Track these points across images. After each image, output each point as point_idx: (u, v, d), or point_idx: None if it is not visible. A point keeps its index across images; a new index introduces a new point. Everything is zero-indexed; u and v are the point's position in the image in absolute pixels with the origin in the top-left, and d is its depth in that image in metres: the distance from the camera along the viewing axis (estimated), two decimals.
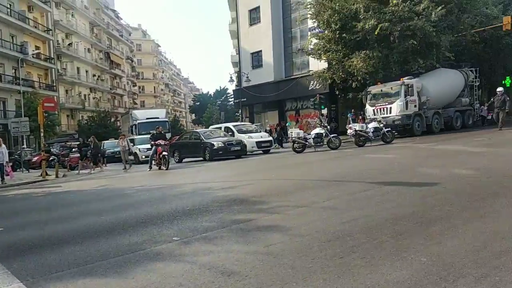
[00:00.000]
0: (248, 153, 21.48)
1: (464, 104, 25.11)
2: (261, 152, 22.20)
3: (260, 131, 24.99)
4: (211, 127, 28.30)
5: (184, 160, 22.14)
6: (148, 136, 19.71)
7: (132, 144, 24.99)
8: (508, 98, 20.56)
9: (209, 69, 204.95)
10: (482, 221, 4.83)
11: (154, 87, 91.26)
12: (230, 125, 24.90)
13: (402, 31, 21.11)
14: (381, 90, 22.64)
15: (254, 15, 37.54)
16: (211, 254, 4.45)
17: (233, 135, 22.49)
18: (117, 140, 25.05)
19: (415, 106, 21.88)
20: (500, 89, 20.30)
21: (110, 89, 63.86)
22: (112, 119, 54.26)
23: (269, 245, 4.55)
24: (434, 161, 11.12)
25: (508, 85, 32.44)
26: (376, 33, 21.27)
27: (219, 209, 6.82)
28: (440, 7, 20.61)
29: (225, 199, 7.67)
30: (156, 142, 17.18)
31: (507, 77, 31.66)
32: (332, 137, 18.94)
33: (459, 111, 24.45)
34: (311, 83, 30.51)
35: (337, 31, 23.19)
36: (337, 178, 9.32)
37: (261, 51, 36.77)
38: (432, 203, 5.94)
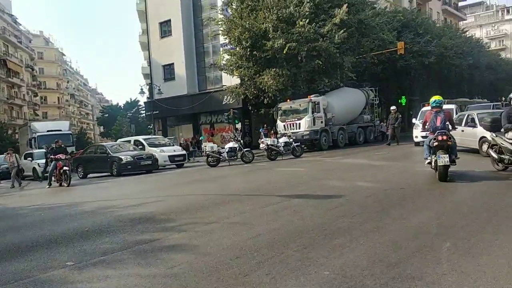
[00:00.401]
0: (160, 167, 20.77)
1: (366, 121, 26.97)
2: (174, 166, 21.62)
3: (173, 145, 24.38)
4: (119, 140, 26.97)
5: (89, 176, 20.75)
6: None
7: (30, 159, 22.84)
8: (400, 116, 22.54)
9: (119, 80, 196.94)
10: (381, 232, 5.06)
11: (58, 97, 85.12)
12: (140, 138, 23.94)
13: (308, 51, 22.16)
14: (291, 107, 23.47)
15: (165, 28, 36.97)
16: (108, 280, 4.07)
17: (143, 148, 21.62)
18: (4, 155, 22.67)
19: (322, 122, 22.98)
20: (393, 107, 22.25)
21: (7, 99, 58.23)
22: (10, 132, 49.35)
23: (173, 266, 4.30)
24: (340, 174, 11.67)
25: (403, 104, 35.71)
26: (284, 52, 22.06)
27: (122, 229, 6.38)
28: (342, 30, 22.04)
29: (129, 218, 7.21)
30: (56, 157, 15.85)
31: (403, 96, 34.85)
32: (246, 151, 19.11)
33: (361, 127, 26.18)
34: (225, 98, 30.67)
35: (248, 49, 23.65)
36: (248, 192, 9.31)
37: (173, 63, 36.21)
38: (336, 215, 6.14)
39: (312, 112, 22.55)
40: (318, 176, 11.40)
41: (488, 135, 12.67)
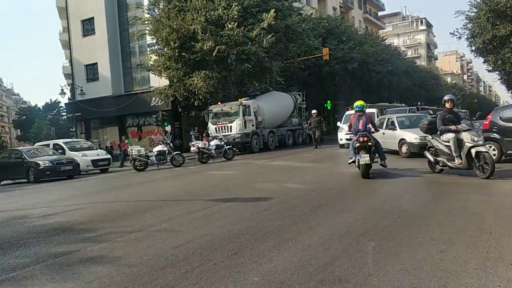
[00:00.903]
0: (82, 173, 19.59)
1: (295, 124, 27.63)
2: (98, 171, 20.50)
3: (97, 148, 23.13)
4: (37, 144, 25.06)
5: (2, 183, 19.00)
6: None
7: None
8: (323, 119, 23.30)
9: (37, 80, 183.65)
10: (310, 233, 5.08)
11: None
12: (60, 141, 22.42)
13: (238, 54, 22.22)
14: (222, 110, 23.36)
15: (88, 26, 35.13)
16: None
17: (64, 153, 20.25)
18: None
19: (252, 125, 23.14)
20: (314, 111, 22.78)
21: None
22: None
23: (91, 280, 3.95)
24: (270, 176, 11.75)
25: (329, 108, 37.14)
26: (214, 54, 21.92)
27: (35, 241, 5.81)
28: (270, 35, 22.38)
29: (45, 229, 6.61)
30: None
31: (328, 101, 36.22)
32: (176, 154, 18.62)
33: (290, 130, 26.77)
34: (153, 99, 29.77)
35: (177, 50, 23.17)
36: (177, 197, 9.01)
37: (96, 63, 34.47)
38: (266, 218, 6.10)
39: (243, 115, 22.61)
40: (249, 179, 11.38)
41: (407, 137, 13.55)
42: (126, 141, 25.72)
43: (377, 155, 9.81)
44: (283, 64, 25.81)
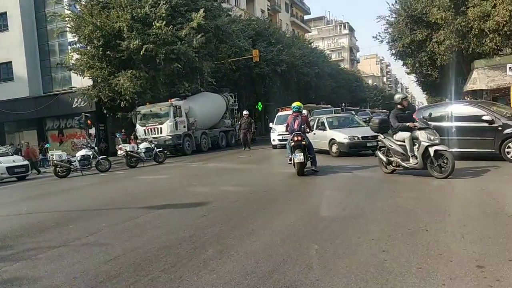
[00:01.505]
0: None
1: (227, 125, 27.45)
2: (14, 179, 18.74)
3: (13, 154, 21.16)
4: None
5: None
6: None
7: None
8: (253, 121, 23.30)
9: None
10: (251, 239, 4.90)
11: None
12: None
13: (167, 54, 21.53)
14: (151, 111, 22.52)
15: (1, 22, 32.21)
16: None
17: None
18: None
19: (184, 126, 22.57)
20: (245, 112, 22.45)
21: None
22: None
23: None
24: (205, 179, 11.42)
25: (260, 109, 37.54)
26: (141, 53, 21.04)
27: None
28: (200, 35, 21.97)
29: None
30: None
31: (259, 102, 36.60)
32: (101, 159, 17.53)
33: (223, 132, 26.54)
34: (75, 101, 27.94)
35: (101, 48, 21.91)
36: (105, 205, 8.36)
37: (11, 62, 31.69)
38: (205, 224, 5.82)
39: (174, 116, 21.97)
40: (183, 183, 10.96)
41: (337, 137, 13.94)
42: (46, 146, 23.88)
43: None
44: (214, 65, 25.50)
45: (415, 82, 44.80)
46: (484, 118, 9.66)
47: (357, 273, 3.56)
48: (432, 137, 8.01)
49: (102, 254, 4.81)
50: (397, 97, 9.05)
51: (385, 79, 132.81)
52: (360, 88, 69.91)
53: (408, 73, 38.70)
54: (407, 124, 8.31)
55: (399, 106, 8.77)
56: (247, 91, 34.66)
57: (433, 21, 23.52)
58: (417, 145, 8.13)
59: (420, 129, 8.16)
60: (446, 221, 4.98)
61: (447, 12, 22.68)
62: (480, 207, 5.54)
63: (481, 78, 23.01)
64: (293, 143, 9.82)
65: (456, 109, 10.73)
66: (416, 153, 8.16)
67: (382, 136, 9.15)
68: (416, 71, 32.68)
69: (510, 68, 20.12)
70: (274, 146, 20.33)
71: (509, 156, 9.33)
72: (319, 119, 16.12)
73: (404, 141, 8.38)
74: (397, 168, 8.80)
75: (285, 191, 8.28)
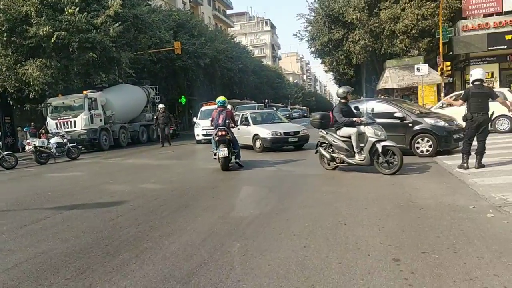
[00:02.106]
0: None
1: (148, 119, 26.41)
2: None
3: None
4: None
5: None
6: None
7: None
8: (171, 115, 22.52)
9: None
10: (170, 240, 4.65)
11: None
12: None
13: (81, 42, 20.12)
14: (63, 103, 20.92)
15: None
16: None
17: None
18: None
19: (100, 120, 21.31)
20: (161, 105, 20.98)
21: None
22: None
23: None
24: (123, 176, 10.81)
25: (184, 103, 36.74)
26: (52, 41, 19.45)
27: None
28: (117, 24, 20.83)
29: None
30: None
31: (182, 96, 35.79)
32: (7, 154, 15.90)
33: (144, 126, 25.51)
34: None
35: (5, 34, 19.88)
36: (7, 207, 7.52)
37: None
38: (120, 225, 5.44)
39: (89, 109, 20.63)
40: (98, 181, 10.26)
41: (261, 132, 14.00)
42: None
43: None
44: (133, 56, 24.40)
45: (332, 80, 46.93)
46: (396, 115, 10.11)
47: (278, 271, 3.50)
48: (379, 133, 7.85)
49: (1, 261, 4.27)
50: (341, 91, 8.72)
51: (305, 77, 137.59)
52: (282, 85, 71.61)
53: (326, 71, 40.45)
54: (353, 119, 8.08)
55: (343, 100, 8.56)
56: (169, 84, 33.71)
57: (349, 21, 24.72)
58: (365, 141, 7.92)
59: (366, 124, 7.96)
60: (363, 215, 5.14)
61: (361, 13, 23.96)
62: (394, 201, 5.81)
63: (392, 77, 24.65)
64: (217, 138, 9.77)
65: (371, 106, 11.27)
66: (363, 149, 7.95)
67: (324, 132, 8.81)
68: (334, 69, 34.19)
69: (417, 68, 21.77)
70: (198, 141, 19.98)
71: (418, 151, 9.90)
72: (243, 115, 16.09)
73: (349, 137, 8.16)
74: (341, 164, 8.57)
75: (208, 187, 8.09)
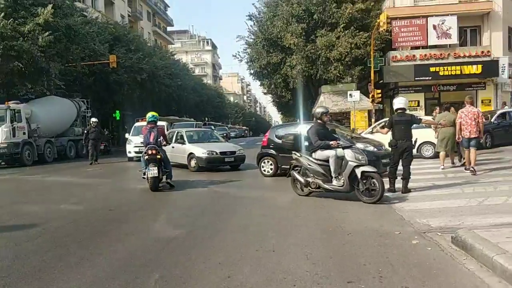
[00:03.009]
0: None
1: (78, 134, 24.93)
2: None
3: None
4: None
5: None
6: None
7: None
8: (103, 129, 21.36)
9: None
10: (79, 270, 4.16)
11: None
12: None
13: (5, 50, 18.68)
14: None
15: None
16: None
17: None
18: None
19: (24, 133, 19.73)
20: (94, 119, 19.79)
21: None
22: None
23: None
24: (41, 196, 9.90)
25: (118, 118, 35.32)
26: None
27: None
28: (47, 33, 19.59)
29: None
30: None
31: (117, 110, 34.42)
32: None
33: (72, 141, 24.01)
34: None
35: None
36: None
37: None
38: (26, 252, 4.84)
39: (11, 121, 19.04)
40: (12, 200, 9.32)
41: (196, 151, 13.62)
42: None
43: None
44: (63, 67, 23.10)
45: (271, 102, 47.75)
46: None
47: None
48: (360, 157, 7.25)
49: None
50: (318, 111, 8.06)
51: (245, 98, 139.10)
52: (223, 104, 71.70)
53: (265, 93, 41.03)
54: (330, 142, 7.44)
55: (319, 121, 7.94)
56: (103, 98, 32.31)
57: (287, 45, 25.30)
58: (344, 165, 7.24)
59: (344, 147, 7.43)
60: (292, 241, 4.99)
61: (299, 39, 24.65)
62: (323, 225, 5.76)
63: (327, 102, 25.43)
64: (147, 157, 9.26)
65: (305, 129, 11.39)
66: (341, 174, 7.27)
67: (297, 154, 8.13)
68: (272, 92, 34.73)
69: (350, 95, 22.66)
70: (130, 159, 19.11)
71: None
72: (178, 132, 15.66)
73: (326, 160, 7.47)
74: (316, 190, 7.80)
75: (134, 209, 7.59)
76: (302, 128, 11.33)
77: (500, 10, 24.70)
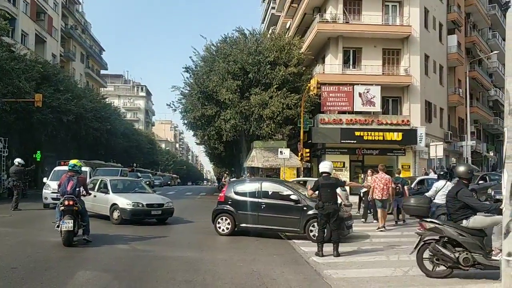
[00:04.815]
0: None
1: None
2: None
3: None
4: None
5: None
6: None
7: None
8: (26, 170, 19.61)
9: None
10: None
11: None
12: None
13: None
14: None
15: None
16: None
17: None
18: None
19: None
20: (19, 160, 17.68)
21: None
22: None
23: None
24: None
25: (38, 159, 32.93)
26: None
27: None
28: None
29: None
30: None
31: (38, 151, 32.19)
32: None
33: None
34: None
35: None
36: None
37: None
38: None
39: None
40: None
41: (120, 202, 12.70)
42: None
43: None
44: None
45: (204, 152, 47.59)
46: (292, 197, 9.97)
47: None
48: None
49: None
50: (464, 169, 6.66)
51: (177, 146, 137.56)
52: (153, 150, 70.05)
53: (198, 144, 40.90)
54: (499, 204, 5.71)
55: (465, 181, 6.58)
56: (24, 137, 30.13)
57: (222, 100, 25.74)
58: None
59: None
60: None
61: (233, 95, 25.26)
62: None
63: (258, 157, 25.85)
64: (62, 207, 8.60)
65: (266, 186, 10.77)
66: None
67: (437, 222, 6.47)
68: (205, 143, 34.67)
69: (280, 152, 23.24)
70: (46, 205, 17.55)
71: (311, 234, 9.51)
72: (102, 180, 14.71)
73: (481, 230, 6.14)
74: (466, 269, 6.10)
75: (40, 268, 6.81)
76: (263, 185, 10.85)
77: (418, 85, 27.38)
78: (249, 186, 11.37)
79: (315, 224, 8.98)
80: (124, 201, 12.77)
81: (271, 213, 10.22)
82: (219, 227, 10.90)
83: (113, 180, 15.06)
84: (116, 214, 12.79)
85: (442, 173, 10.80)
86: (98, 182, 14.55)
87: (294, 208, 9.88)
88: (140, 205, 12.70)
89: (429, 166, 26.66)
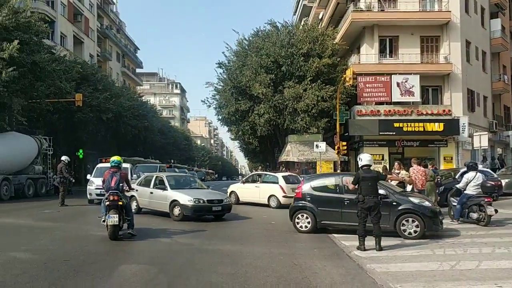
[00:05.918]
0: None
1: (38, 172, 23.81)
2: None
3: None
4: None
5: None
6: None
7: None
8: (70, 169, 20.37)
9: None
10: None
11: None
12: None
13: None
14: None
15: None
16: None
17: None
18: None
19: None
20: (66, 157, 18.68)
21: None
22: None
23: None
24: None
25: (81, 157, 34.23)
26: None
27: None
28: (12, 68, 19.12)
29: None
30: None
31: (80, 149, 33.43)
32: None
33: (31, 179, 22.81)
34: None
35: None
36: None
37: None
38: None
39: None
40: None
41: (181, 198, 12.30)
42: None
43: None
44: (27, 103, 22.39)
45: (238, 147, 47.88)
46: (379, 192, 8.48)
47: None
48: None
49: None
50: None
51: (212, 142, 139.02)
52: (189, 147, 71.22)
53: (232, 139, 41.16)
54: None
55: None
56: (67, 136, 31.37)
57: (255, 94, 25.74)
58: None
59: None
60: None
61: (267, 89, 25.20)
62: (291, 287, 5.52)
63: (293, 151, 25.70)
64: (108, 203, 8.86)
65: (348, 181, 9.55)
66: None
67: None
68: (239, 138, 34.85)
69: (316, 145, 23.02)
70: (91, 201, 18.15)
71: (405, 233, 9.05)
72: (157, 177, 14.59)
73: None
74: None
75: (89, 261, 7.06)
76: (344, 180, 10.07)
77: (459, 72, 26.35)
78: (328, 180, 10.88)
79: (409, 219, 9.04)
80: (185, 198, 12.46)
81: (355, 209, 8.75)
82: (299, 225, 10.36)
83: (169, 176, 14.72)
84: (177, 211, 12.50)
85: (471, 164, 10.72)
86: (153, 179, 14.20)
87: (382, 203, 8.63)
88: (201, 201, 12.41)
89: (472, 157, 25.66)
